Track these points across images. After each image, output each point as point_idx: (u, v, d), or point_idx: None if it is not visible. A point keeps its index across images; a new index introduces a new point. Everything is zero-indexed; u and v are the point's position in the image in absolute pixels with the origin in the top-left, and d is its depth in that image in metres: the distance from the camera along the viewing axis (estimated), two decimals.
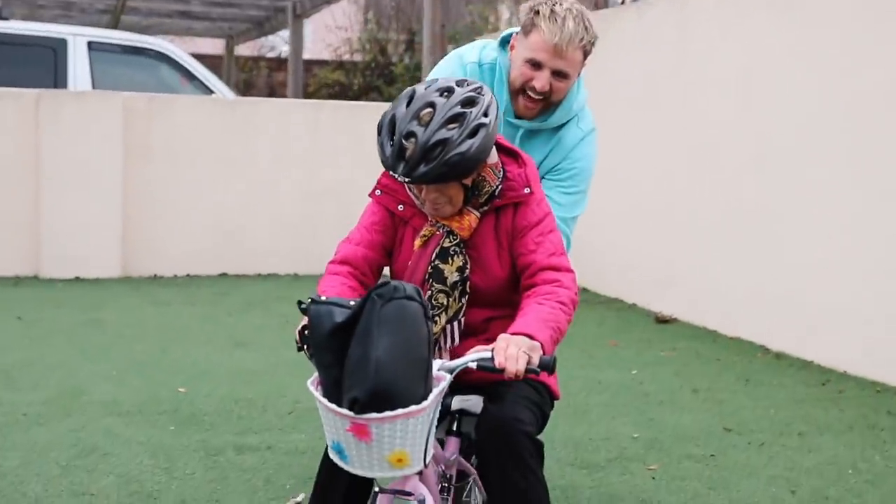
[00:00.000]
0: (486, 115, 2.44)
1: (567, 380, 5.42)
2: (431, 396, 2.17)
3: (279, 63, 19.73)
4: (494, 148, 2.60)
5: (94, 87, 9.14)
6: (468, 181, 2.52)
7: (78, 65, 9.17)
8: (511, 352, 2.26)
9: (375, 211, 2.67)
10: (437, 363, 2.33)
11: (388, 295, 2.18)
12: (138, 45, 9.57)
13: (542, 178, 3.05)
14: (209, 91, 9.47)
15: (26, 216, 8.26)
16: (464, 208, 2.57)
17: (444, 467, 2.62)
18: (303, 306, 2.22)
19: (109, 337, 6.18)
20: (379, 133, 2.44)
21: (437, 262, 2.58)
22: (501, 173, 2.61)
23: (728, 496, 3.92)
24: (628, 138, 7.92)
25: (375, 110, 8.54)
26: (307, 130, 9.02)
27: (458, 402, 2.57)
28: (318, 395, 2.19)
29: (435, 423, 2.24)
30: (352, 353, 2.15)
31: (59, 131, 8.21)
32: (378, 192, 2.65)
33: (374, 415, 2.09)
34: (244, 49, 19.75)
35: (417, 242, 2.61)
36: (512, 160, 2.66)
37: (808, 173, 6.15)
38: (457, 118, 2.39)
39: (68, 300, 7.31)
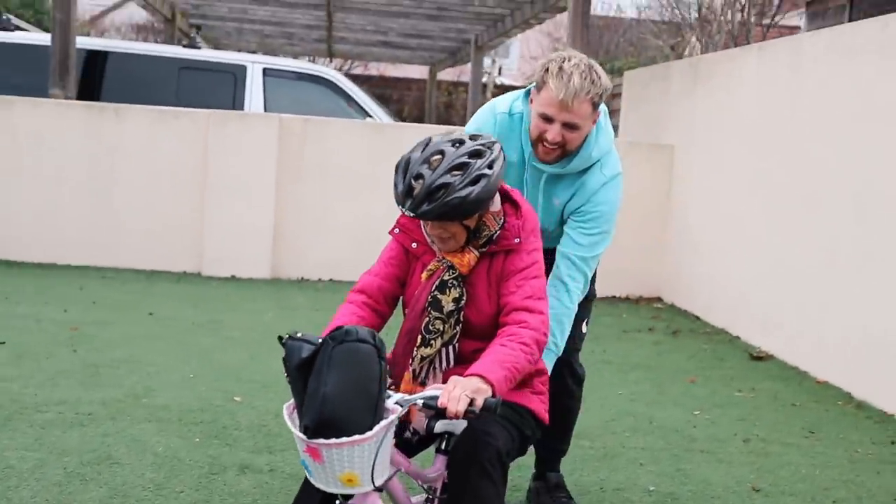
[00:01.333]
0: (489, 167, 2.48)
1: (619, 416, 4.84)
2: (376, 427, 2.21)
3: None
4: (498, 197, 2.64)
5: (265, 108, 9.09)
6: (470, 223, 2.55)
7: (254, 89, 9.14)
8: (455, 393, 2.29)
9: (393, 247, 2.73)
10: (396, 396, 2.39)
11: (340, 338, 2.26)
12: (308, 72, 9.45)
13: (566, 219, 3.04)
14: (367, 115, 9.20)
15: (192, 220, 8.22)
16: (465, 247, 2.60)
17: (430, 482, 2.63)
18: (281, 341, 2.29)
19: (216, 340, 5.93)
20: (395, 172, 2.51)
21: (436, 292, 2.60)
22: (502, 220, 2.63)
23: None
24: (743, 175, 7.19)
25: None
26: None
27: (441, 426, 2.51)
28: (286, 417, 2.32)
29: (387, 447, 2.29)
30: (309, 385, 2.24)
31: (223, 147, 8.15)
32: (396, 230, 2.72)
33: (321, 441, 2.19)
34: (449, 74, 19.64)
35: (424, 275, 2.64)
36: (513, 210, 2.66)
37: None
38: (461, 167, 2.44)
39: (206, 299, 7.14)
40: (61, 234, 8.10)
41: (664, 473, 4.13)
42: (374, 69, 22.02)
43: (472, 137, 2.55)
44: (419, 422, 2.58)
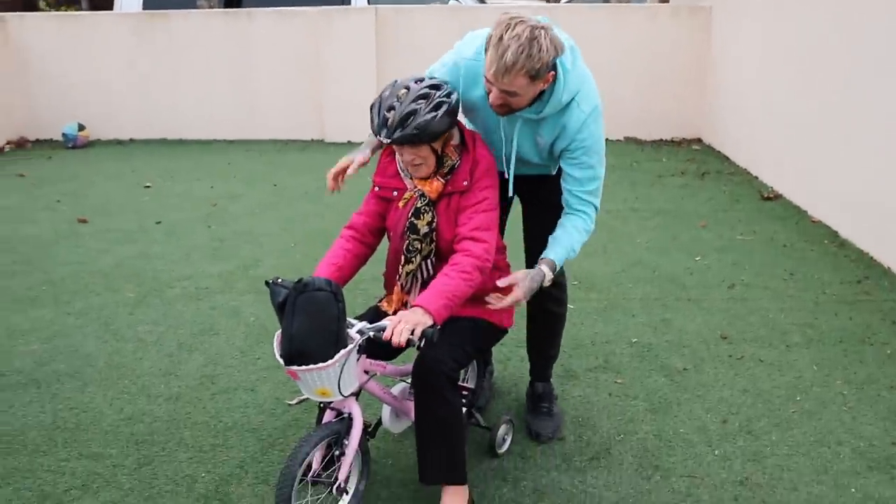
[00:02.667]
0: (447, 96, 2.44)
1: (630, 266, 4.72)
2: (336, 356, 2.29)
3: None
4: (457, 132, 2.55)
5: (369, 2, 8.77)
6: (437, 146, 2.49)
7: None
8: (398, 327, 2.28)
9: (374, 193, 2.68)
10: (357, 326, 2.40)
11: (300, 289, 2.29)
12: None
13: (559, 157, 2.65)
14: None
15: (314, 96, 8.18)
16: (433, 176, 2.53)
17: (408, 374, 2.73)
18: (267, 284, 2.36)
19: (318, 206, 5.99)
20: (371, 110, 2.46)
21: (412, 218, 2.56)
22: (460, 155, 2.55)
23: (659, 423, 3.20)
24: (778, 34, 6.52)
25: None
26: None
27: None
28: (275, 345, 2.39)
29: (351, 366, 2.36)
30: (283, 325, 2.30)
31: (332, 37, 8.02)
32: (377, 188, 2.65)
33: (294, 367, 2.29)
34: None
35: (401, 204, 2.60)
36: (467, 153, 2.56)
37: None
38: (425, 96, 2.41)
39: (322, 166, 7.18)
40: (214, 116, 8.26)
41: (649, 324, 4.04)
42: None
43: (430, 78, 2.49)
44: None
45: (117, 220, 5.63)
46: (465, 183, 2.52)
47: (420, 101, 2.39)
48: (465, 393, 2.86)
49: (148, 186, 6.53)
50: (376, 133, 2.43)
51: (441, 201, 2.55)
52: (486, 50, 2.43)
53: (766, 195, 6.20)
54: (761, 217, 5.73)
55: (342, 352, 2.31)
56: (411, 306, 2.39)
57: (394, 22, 8.05)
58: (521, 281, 2.54)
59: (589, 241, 5.11)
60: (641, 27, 8.07)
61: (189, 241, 5.22)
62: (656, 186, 6.55)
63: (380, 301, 2.74)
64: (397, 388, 2.78)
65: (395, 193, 2.62)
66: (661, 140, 8.21)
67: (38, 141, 8.28)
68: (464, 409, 2.83)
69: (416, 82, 2.44)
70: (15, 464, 2.89)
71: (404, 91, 2.41)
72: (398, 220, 2.61)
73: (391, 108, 2.38)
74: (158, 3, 8.55)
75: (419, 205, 2.56)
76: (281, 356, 2.33)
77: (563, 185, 2.67)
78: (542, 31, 2.34)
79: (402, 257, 2.61)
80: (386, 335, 2.30)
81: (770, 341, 3.84)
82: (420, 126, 2.38)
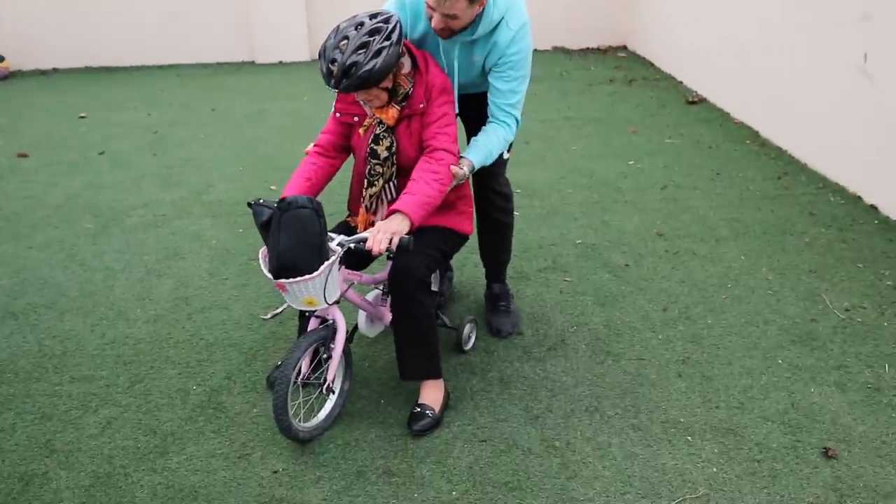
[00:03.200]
0: (387, 39, 2.51)
1: (567, 173, 4.99)
2: (321, 268, 2.47)
3: None
4: (408, 60, 2.66)
5: None
6: (386, 84, 2.59)
7: None
8: (378, 237, 2.48)
9: (336, 118, 2.80)
10: (338, 239, 2.59)
11: (285, 207, 2.47)
12: None
13: (488, 72, 2.82)
14: None
15: (243, 16, 8.03)
16: (389, 104, 2.65)
17: (381, 282, 2.98)
18: (249, 205, 2.53)
19: (261, 131, 6.04)
20: (318, 58, 2.55)
21: (372, 144, 2.68)
22: (412, 82, 2.65)
23: (607, 314, 3.52)
24: None
25: None
26: None
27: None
28: (260, 261, 2.58)
29: (334, 276, 2.56)
30: (269, 242, 2.50)
31: None
32: (338, 114, 2.77)
33: (283, 280, 2.48)
34: None
35: (361, 131, 2.73)
36: (421, 75, 2.66)
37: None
38: (364, 45, 2.48)
39: (257, 88, 7.16)
40: (138, 41, 8.08)
41: (591, 226, 4.34)
42: None
43: (372, 16, 2.53)
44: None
45: (59, 153, 5.61)
46: (422, 105, 2.64)
47: (360, 52, 2.46)
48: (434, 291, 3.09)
49: (83, 117, 6.46)
50: (325, 83, 2.54)
51: (400, 125, 2.67)
52: None
53: (690, 99, 6.50)
54: (687, 120, 6.04)
55: (326, 263, 2.51)
56: (390, 211, 2.59)
57: None
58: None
59: (528, 151, 5.37)
60: None
61: (137, 171, 5.26)
62: (586, 95, 6.77)
63: (347, 217, 2.93)
64: (371, 295, 3.02)
65: (356, 119, 2.74)
66: (588, 49, 8.38)
67: None
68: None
69: (356, 28, 2.50)
70: (11, 391, 3.05)
71: (344, 41, 2.48)
72: (360, 146, 2.74)
73: (333, 60, 2.47)
74: None
75: (378, 131, 2.67)
76: (269, 271, 2.52)
77: (489, 96, 2.84)
78: None
79: (365, 181, 2.75)
80: (368, 245, 2.51)
81: (701, 236, 4.19)
82: (362, 76, 2.47)
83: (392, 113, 2.66)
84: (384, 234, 2.50)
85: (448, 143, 2.67)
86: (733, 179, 4.90)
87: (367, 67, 2.47)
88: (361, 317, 3.01)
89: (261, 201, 2.52)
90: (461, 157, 2.78)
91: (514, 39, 2.75)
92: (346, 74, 2.47)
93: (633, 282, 3.76)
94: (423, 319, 2.74)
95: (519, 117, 2.87)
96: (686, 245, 4.10)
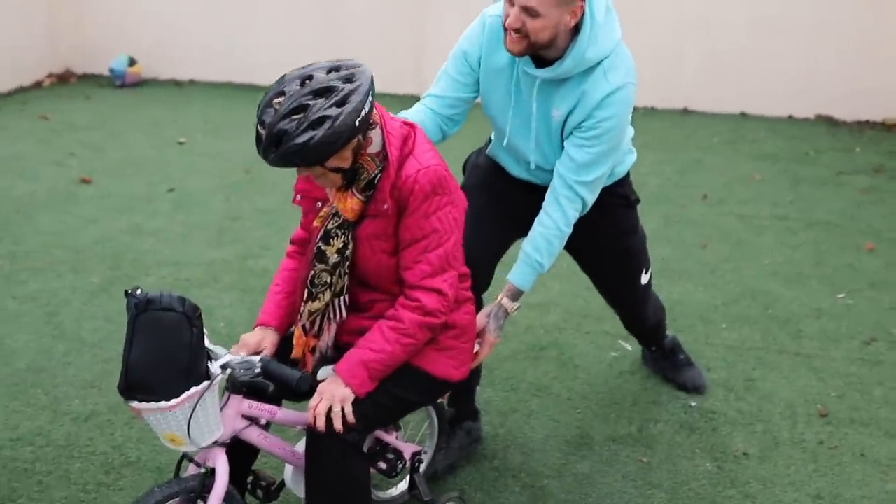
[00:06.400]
0: (339, 105, 2.27)
1: (735, 298, 4.54)
2: (184, 395, 2.24)
3: None
4: (379, 135, 2.42)
5: None
6: (338, 164, 2.36)
7: None
8: (320, 407, 2.37)
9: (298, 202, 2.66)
10: (224, 359, 2.39)
11: (143, 306, 2.26)
12: None
13: (567, 137, 2.76)
14: None
15: (414, 38, 8.16)
16: (349, 190, 2.44)
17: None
18: (126, 294, 2.33)
19: None
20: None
21: (320, 243, 2.51)
22: (381, 164, 2.42)
23: None
24: None
25: None
26: None
27: (324, 373, 2.52)
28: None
29: (209, 409, 2.32)
30: (124, 348, 2.30)
31: None
32: (298, 197, 2.60)
33: (133, 403, 2.27)
34: None
35: (316, 222, 2.54)
36: (387, 166, 2.42)
37: None
38: (300, 109, 2.27)
39: None
40: (292, 58, 8.28)
41: (726, 384, 3.76)
42: None
43: (333, 69, 2.33)
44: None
45: (126, 184, 5.84)
46: (385, 206, 2.42)
47: (293, 119, 2.26)
48: (390, 458, 2.73)
49: (182, 143, 6.73)
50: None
51: (363, 222, 2.47)
52: None
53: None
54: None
55: (193, 390, 2.26)
56: (329, 348, 2.50)
57: None
58: (486, 329, 2.74)
59: (697, 257, 4.90)
60: None
61: (197, 217, 5.33)
62: (828, 187, 6.10)
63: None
64: (302, 445, 2.68)
65: (319, 205, 2.57)
66: (868, 122, 7.59)
67: (84, 76, 8.70)
68: (401, 474, 2.79)
69: (301, 82, 2.31)
70: None
71: (279, 99, 2.29)
72: (310, 245, 2.57)
73: (262, 122, 2.29)
74: None
75: (330, 226, 2.50)
76: (118, 387, 2.29)
77: (557, 164, 2.77)
78: None
79: (306, 292, 2.54)
80: (308, 419, 2.38)
81: (891, 430, 3.44)
82: (293, 151, 2.26)
83: (352, 204, 2.45)
84: (328, 401, 2.37)
85: (431, 276, 2.43)
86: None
87: (299, 141, 2.25)
88: (288, 468, 2.72)
89: (138, 291, 2.31)
90: (507, 278, 2.78)
91: (610, 98, 2.66)
92: (273, 144, 2.28)
93: (741, 482, 3.14)
94: (345, 496, 2.44)
95: (589, 201, 2.80)
96: (856, 439, 3.39)
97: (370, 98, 2.30)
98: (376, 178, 2.42)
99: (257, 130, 2.30)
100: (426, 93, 2.91)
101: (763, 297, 4.50)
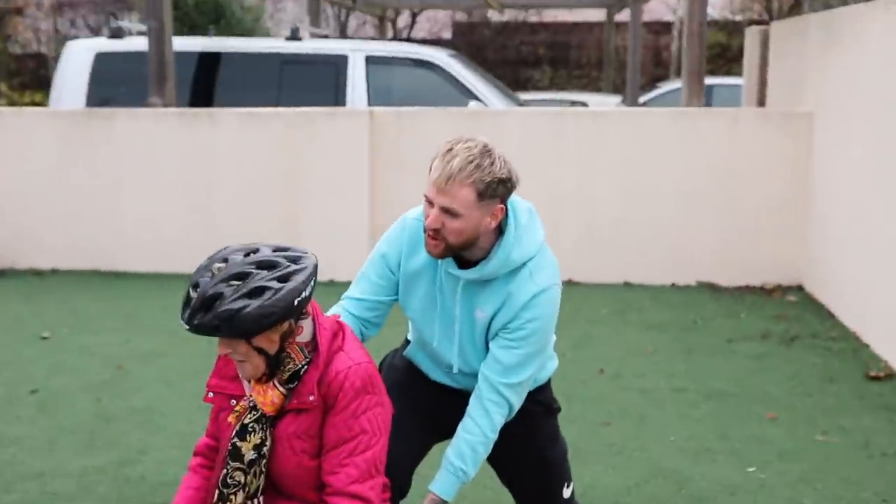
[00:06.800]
0: (281, 280, 2.30)
1: (649, 477, 4.41)
2: None
3: (665, 27, 18.65)
4: (310, 326, 2.44)
5: (370, 100, 8.90)
6: (264, 346, 2.35)
7: (356, 79, 8.94)
8: None
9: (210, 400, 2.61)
10: None
11: None
12: (414, 57, 9.14)
13: (496, 335, 2.79)
14: (476, 98, 8.80)
15: (289, 221, 8.20)
16: (270, 380, 2.42)
17: None
18: None
19: None
20: None
21: (235, 439, 2.44)
22: (309, 355, 2.42)
23: None
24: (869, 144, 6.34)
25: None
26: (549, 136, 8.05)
27: None
28: None
29: None
30: None
31: (314, 146, 8.11)
32: (210, 394, 2.57)
33: None
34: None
35: (231, 418, 2.48)
36: (317, 358, 2.42)
37: None
38: (241, 276, 2.29)
39: None
40: (162, 243, 8.24)
41: None
42: (549, 16, 21.37)
43: (278, 249, 2.40)
44: None
45: None
46: (312, 399, 2.40)
47: (232, 283, 2.28)
48: None
49: (45, 338, 6.45)
50: (180, 316, 2.36)
51: (284, 418, 2.43)
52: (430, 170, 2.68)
53: (873, 374, 5.77)
54: (859, 407, 5.29)
55: None
56: None
57: (395, 128, 8.07)
58: None
59: (602, 436, 4.85)
60: (721, 138, 7.87)
61: (64, 420, 5.05)
62: (720, 356, 6.21)
63: None
64: None
65: (234, 402, 2.53)
66: (747, 287, 7.89)
67: None
68: None
69: (245, 254, 2.36)
70: None
71: (221, 266, 2.33)
72: (224, 442, 2.52)
73: (197, 285, 2.31)
74: (107, 99, 8.71)
75: (247, 420, 2.44)
76: None
77: (482, 367, 2.79)
78: (497, 152, 2.63)
79: (216, 493, 2.47)
80: None
81: None
82: (223, 316, 2.26)
83: (272, 396, 2.43)
84: None
85: (358, 482, 2.39)
86: None
87: (234, 307, 2.25)
88: None
89: None
90: (429, 487, 2.75)
91: (536, 299, 2.73)
92: (204, 306, 2.28)
93: None
94: None
95: (515, 405, 2.82)
96: None
97: (312, 284, 2.36)
98: (302, 370, 2.41)
99: (187, 294, 2.30)
100: (345, 294, 2.95)
101: (674, 475, 4.44)
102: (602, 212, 7.97)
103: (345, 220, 8.09)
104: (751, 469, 4.51)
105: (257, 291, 2.28)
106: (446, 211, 2.62)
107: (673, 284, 7.90)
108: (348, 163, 8.05)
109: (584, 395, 5.44)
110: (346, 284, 3.02)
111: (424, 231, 2.69)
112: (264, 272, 2.31)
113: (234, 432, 2.45)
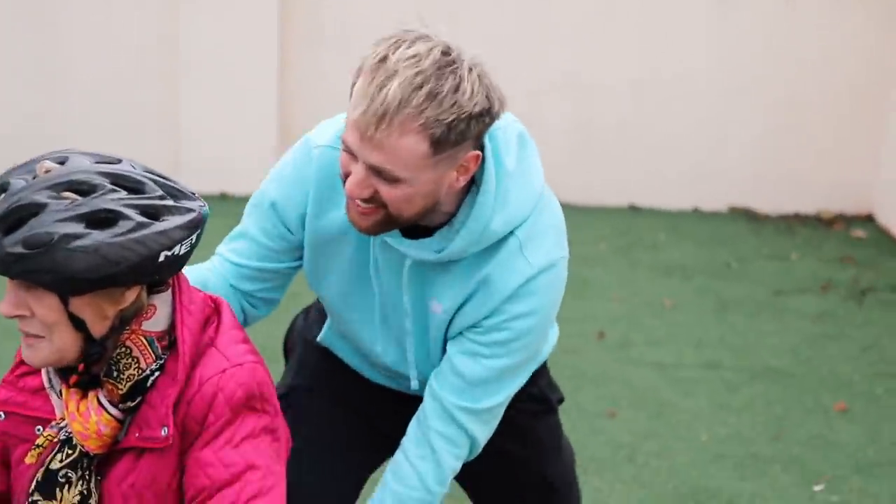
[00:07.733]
0: (146, 214, 2.07)
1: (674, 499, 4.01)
2: None
3: None
4: (167, 312, 2.15)
5: None
6: (86, 317, 2.03)
7: None
8: None
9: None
10: None
11: None
12: None
13: (459, 334, 2.44)
14: None
15: (167, 114, 7.97)
16: (91, 393, 2.11)
17: None
18: None
19: None
20: None
21: (35, 496, 2.18)
22: (163, 356, 2.12)
23: None
24: None
25: None
26: None
27: None
28: None
29: None
30: None
31: (200, 9, 7.80)
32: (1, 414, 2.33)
33: None
34: None
35: (28, 459, 2.21)
36: (173, 358, 2.13)
37: None
38: (84, 189, 2.02)
39: None
40: None
41: None
42: None
43: (152, 172, 2.12)
44: None
45: None
46: (165, 432, 2.09)
47: (66, 196, 1.99)
48: None
49: None
50: None
51: (119, 462, 2.15)
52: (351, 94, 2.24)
53: None
54: None
55: None
56: None
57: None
58: None
59: (607, 434, 4.79)
60: (773, 15, 7.58)
61: None
62: (766, 315, 6.06)
63: None
64: None
65: (40, 430, 2.25)
66: (797, 216, 7.75)
67: None
68: None
69: (98, 161, 2.08)
70: None
71: (53, 165, 2.04)
72: (19, 490, 2.26)
73: (4, 186, 2.03)
74: None
75: (55, 465, 2.16)
76: None
77: (432, 381, 2.46)
78: (469, 66, 2.12)
79: None
80: None
81: None
82: (34, 242, 1.94)
83: (98, 423, 2.10)
84: None
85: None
86: None
87: (61, 231, 1.94)
88: None
89: None
90: None
91: (529, 286, 2.36)
92: (6, 221, 1.98)
93: None
94: None
95: (480, 439, 2.48)
96: None
97: (191, 242, 2.06)
98: (150, 381, 2.10)
99: None
100: (219, 247, 2.55)
101: (710, 496, 4.30)
102: (604, 108, 7.71)
103: (244, 113, 7.84)
104: (818, 488, 4.39)
105: (105, 220, 1.97)
106: (378, 172, 2.15)
107: (696, 210, 7.71)
108: (250, 35, 7.77)
109: (576, 368, 5.22)
110: (244, 201, 2.58)
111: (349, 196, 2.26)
112: (122, 192, 2.01)
113: (34, 484, 2.17)
